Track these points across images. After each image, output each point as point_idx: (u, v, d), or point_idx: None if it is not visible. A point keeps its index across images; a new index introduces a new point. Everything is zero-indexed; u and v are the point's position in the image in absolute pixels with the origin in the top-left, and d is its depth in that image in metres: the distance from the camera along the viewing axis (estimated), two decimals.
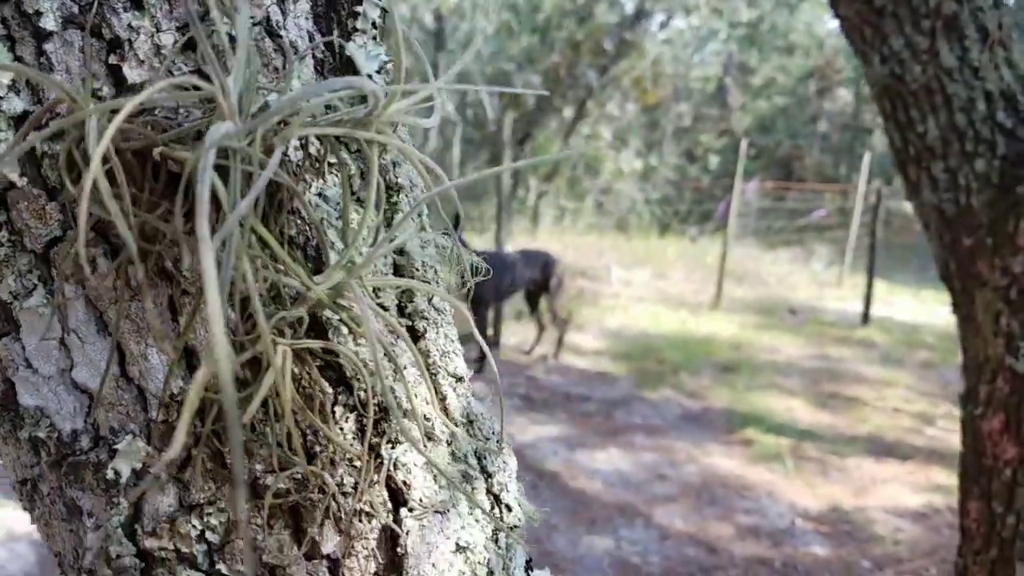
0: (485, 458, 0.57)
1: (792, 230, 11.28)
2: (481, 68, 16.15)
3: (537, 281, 5.84)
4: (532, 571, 0.60)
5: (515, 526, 0.58)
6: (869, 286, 8.09)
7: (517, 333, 6.63)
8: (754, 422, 4.75)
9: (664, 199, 15.22)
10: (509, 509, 0.58)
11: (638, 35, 11.93)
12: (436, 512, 0.52)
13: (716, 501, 3.67)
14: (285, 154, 0.43)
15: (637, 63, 12.35)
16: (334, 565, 0.48)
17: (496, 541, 0.57)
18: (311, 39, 0.47)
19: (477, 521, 0.55)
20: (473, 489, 0.55)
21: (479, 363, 5.36)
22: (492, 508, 0.56)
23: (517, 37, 14.74)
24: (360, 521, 0.48)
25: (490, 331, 6.17)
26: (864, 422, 4.97)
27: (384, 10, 0.51)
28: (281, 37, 0.45)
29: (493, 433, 0.59)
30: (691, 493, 3.74)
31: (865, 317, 8.07)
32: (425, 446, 0.51)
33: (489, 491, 0.56)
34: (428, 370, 0.53)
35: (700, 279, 9.99)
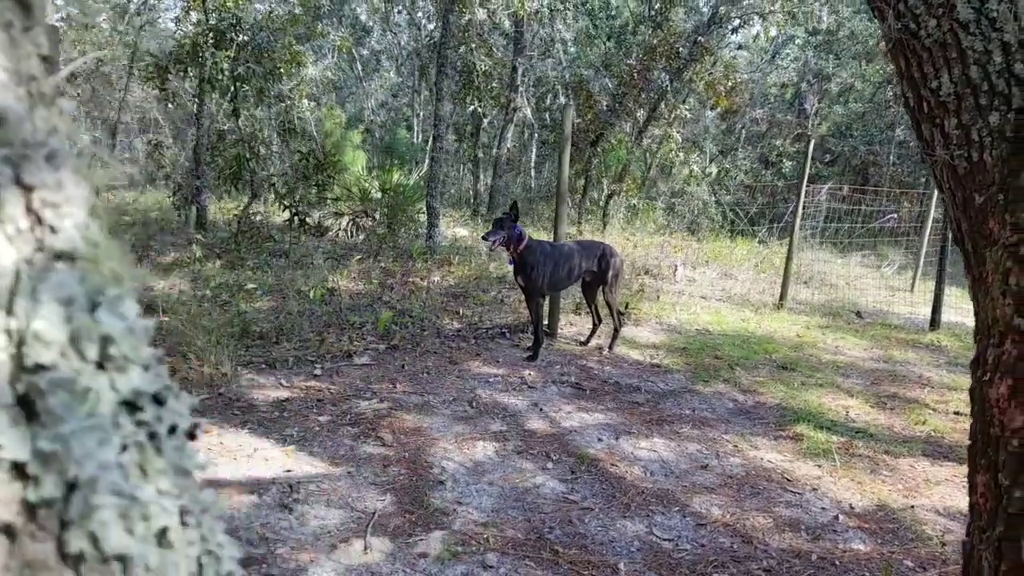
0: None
1: (864, 234, 10.91)
2: (560, 73, 16.32)
3: (594, 272, 5.88)
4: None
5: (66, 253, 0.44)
6: (938, 290, 7.79)
7: (576, 324, 6.71)
8: (806, 418, 4.70)
9: (737, 203, 14.98)
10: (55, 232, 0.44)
11: (712, 40, 11.81)
12: None
13: (758, 493, 3.67)
14: None
15: (711, 67, 12.23)
16: None
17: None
18: None
19: None
20: None
21: (533, 351, 5.52)
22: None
23: (595, 43, 14.80)
24: None
25: (548, 321, 6.27)
26: (922, 424, 4.83)
27: None
28: None
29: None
30: (733, 484, 3.74)
31: (933, 322, 7.77)
32: None
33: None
34: None
35: (767, 280, 9.82)
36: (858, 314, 8.40)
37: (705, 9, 11.89)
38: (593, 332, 6.19)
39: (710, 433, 4.40)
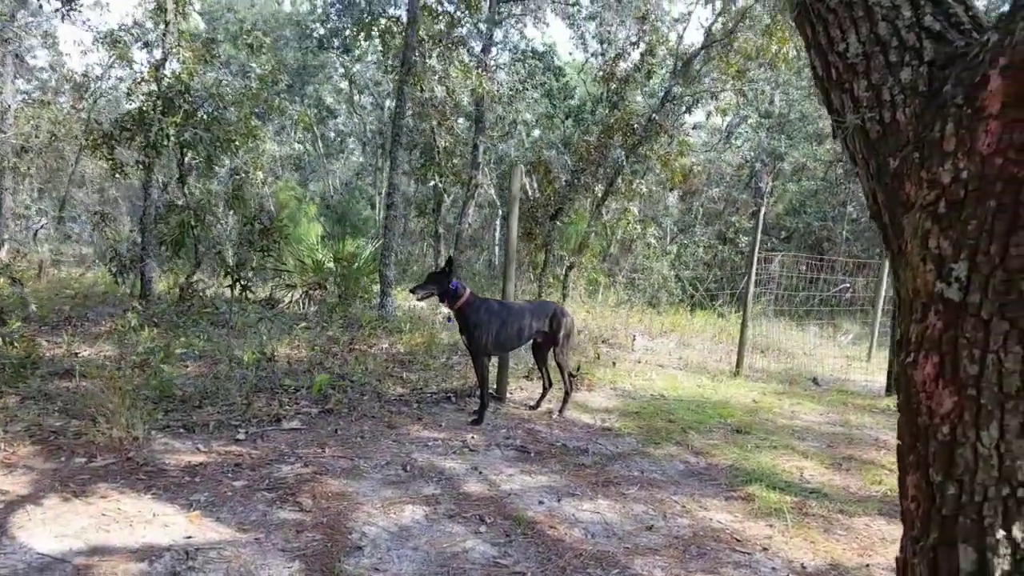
0: None
1: (819, 303, 10.97)
2: (522, 154, 16.63)
3: (545, 332, 5.69)
4: None
5: None
6: (892, 355, 7.75)
7: (526, 389, 6.48)
8: (759, 479, 4.48)
9: (696, 277, 15.09)
10: None
11: (667, 119, 12.16)
12: None
13: (704, 554, 3.41)
14: None
15: (667, 145, 12.55)
16: None
17: None
18: None
19: None
20: None
21: (478, 414, 5.27)
22: None
23: (554, 122, 15.17)
24: None
25: (496, 385, 6.04)
26: (878, 484, 4.64)
27: None
28: None
29: None
30: (678, 545, 3.49)
31: (889, 387, 7.70)
32: None
33: None
34: None
35: (724, 349, 9.74)
36: (815, 381, 8.31)
37: (659, 90, 12.28)
38: (543, 396, 5.96)
39: (658, 495, 4.15)
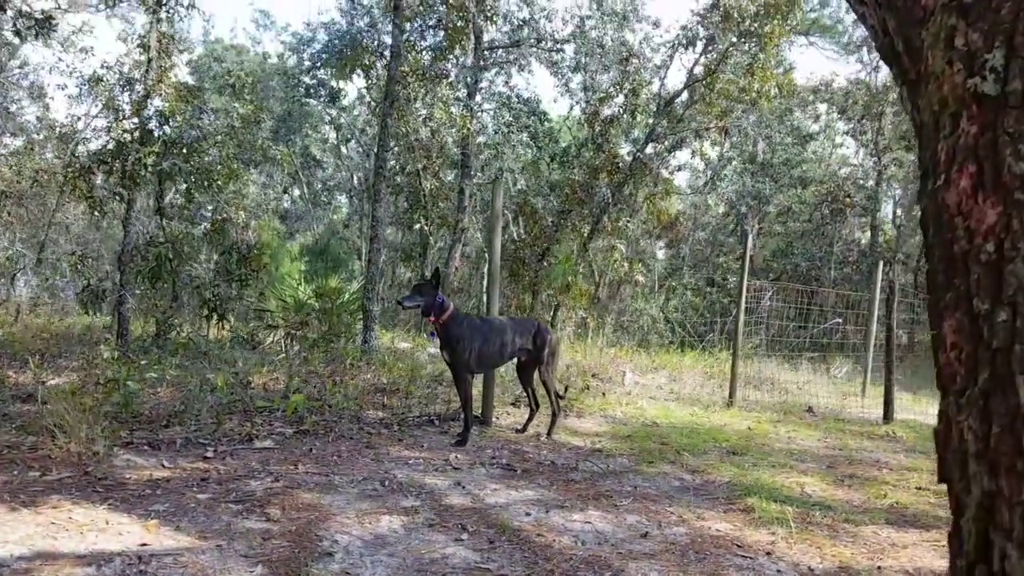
0: None
1: (811, 339, 10.85)
2: (509, 202, 16.66)
3: (529, 350, 5.48)
4: None
5: None
6: (888, 383, 7.64)
7: (513, 415, 6.25)
8: (758, 493, 4.25)
9: (685, 320, 14.98)
10: None
11: (652, 160, 12.26)
12: None
13: (704, 558, 3.18)
14: None
15: (653, 186, 12.61)
16: None
17: None
18: None
19: None
20: None
21: (462, 435, 5.03)
22: None
23: (539, 166, 15.26)
24: None
25: (482, 409, 5.81)
26: (883, 497, 4.42)
27: None
28: None
29: None
30: (675, 551, 3.25)
31: (886, 414, 7.52)
32: None
33: None
34: None
35: (716, 383, 9.54)
36: (810, 410, 8.11)
37: (643, 132, 12.42)
38: (530, 419, 5.73)
39: (653, 507, 3.91)
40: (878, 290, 9.74)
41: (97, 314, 8.22)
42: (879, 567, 3.18)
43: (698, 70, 10.85)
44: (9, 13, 7.25)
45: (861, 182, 17.63)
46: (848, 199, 15.74)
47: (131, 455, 4.05)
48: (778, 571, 3.08)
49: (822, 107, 18.09)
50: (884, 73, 17.94)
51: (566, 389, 6.27)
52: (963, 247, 0.97)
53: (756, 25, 9.76)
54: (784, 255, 16.73)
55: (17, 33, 7.96)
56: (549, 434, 5.50)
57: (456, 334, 5.04)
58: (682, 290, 15.06)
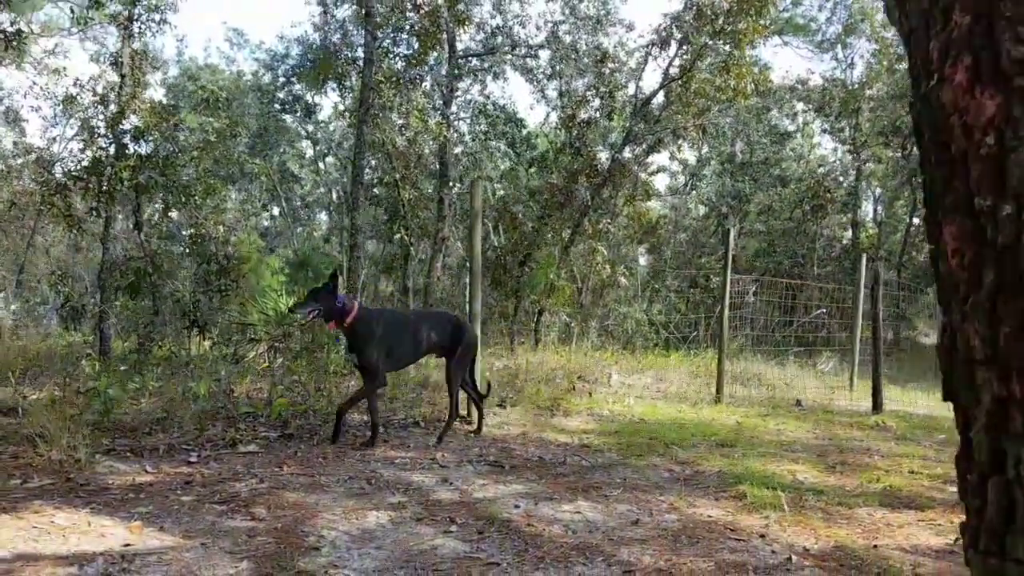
0: None
1: (797, 331, 10.90)
2: (488, 211, 16.67)
3: (444, 347, 5.10)
4: None
5: None
6: (876, 374, 7.67)
7: (499, 415, 6.19)
8: (750, 480, 4.23)
9: (669, 321, 15.00)
10: None
11: (630, 161, 12.30)
12: None
13: (697, 542, 3.15)
14: None
15: (632, 188, 12.65)
16: None
17: None
18: None
19: None
20: None
21: (371, 439, 4.77)
22: None
23: (517, 173, 15.29)
24: None
25: (466, 408, 5.75)
26: (876, 482, 4.42)
27: None
28: None
29: None
30: (667, 536, 3.22)
31: (875, 404, 7.55)
32: None
33: None
34: None
35: (703, 382, 9.54)
36: (798, 403, 8.13)
37: (621, 136, 12.48)
38: (480, 415, 5.40)
39: (643, 496, 3.89)
40: (862, 283, 9.82)
41: (78, 331, 8.09)
42: (875, 545, 3.17)
43: (673, 71, 10.94)
44: None
45: (841, 179, 17.80)
46: (828, 195, 15.89)
47: (113, 461, 3.97)
48: (772, 552, 3.06)
49: (799, 105, 18.29)
50: (860, 70, 18.21)
51: (488, 388, 5.72)
52: (961, 146, 0.94)
53: (730, 23, 9.86)
54: (767, 254, 16.85)
55: None
56: (440, 440, 5.00)
57: (364, 334, 4.70)
58: (665, 292, 15.11)
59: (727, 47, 10.88)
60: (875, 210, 21.97)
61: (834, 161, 19.37)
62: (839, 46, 19.02)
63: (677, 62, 11.16)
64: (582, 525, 3.32)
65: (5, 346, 9.61)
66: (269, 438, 4.72)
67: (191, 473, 3.85)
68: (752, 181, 16.85)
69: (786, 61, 52.24)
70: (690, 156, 16.07)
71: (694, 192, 18.10)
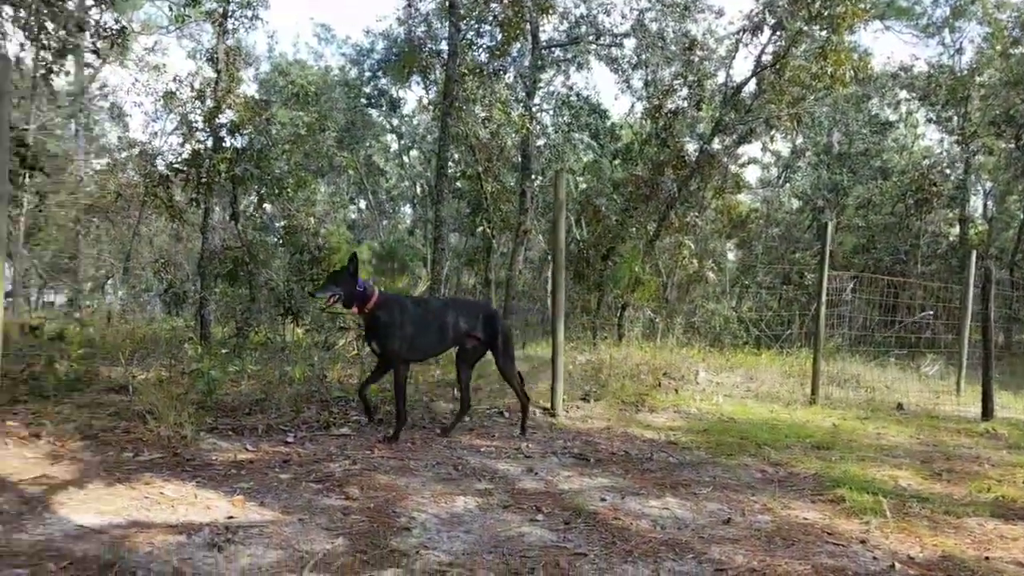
0: None
1: (899, 332, 10.34)
2: (572, 204, 16.61)
3: (478, 338, 4.82)
4: None
5: None
6: (986, 379, 7.18)
7: (583, 408, 6.16)
8: (848, 484, 4.04)
9: (760, 319, 14.54)
10: None
11: (720, 152, 11.97)
12: None
13: (792, 544, 3.03)
14: None
15: (722, 180, 12.30)
16: None
17: None
18: None
19: None
20: None
21: (395, 431, 4.55)
22: None
23: (602, 169, 15.15)
24: None
25: (552, 400, 5.74)
26: (987, 491, 4.14)
27: None
28: None
29: None
30: (760, 536, 3.12)
31: (985, 411, 7.08)
32: None
33: None
34: None
35: (796, 382, 9.19)
36: (899, 407, 7.72)
37: (710, 125, 12.15)
38: (460, 416, 4.97)
39: (734, 496, 3.77)
40: (972, 282, 9.23)
41: (180, 316, 8.57)
42: (987, 557, 2.97)
43: (766, 58, 10.55)
44: (87, 33, 7.63)
45: (947, 172, 16.71)
46: (934, 189, 14.96)
47: (216, 439, 4.17)
48: (874, 558, 2.91)
49: (902, 93, 17.30)
50: (969, 55, 17.07)
51: (522, 380, 5.34)
52: None
53: (827, 7, 9.42)
54: (865, 250, 16.04)
55: (95, 52, 8.41)
56: (523, 431, 4.96)
57: (385, 321, 4.45)
58: (756, 289, 14.63)
59: (824, 32, 10.42)
60: (985, 205, 20.60)
61: (940, 153, 18.24)
62: (946, 30, 17.88)
63: (770, 49, 10.76)
64: (671, 521, 3.26)
65: (114, 329, 10.29)
66: (360, 422, 4.86)
67: (288, 453, 4.01)
68: (850, 173, 16.06)
69: (888, 46, 49.68)
70: (783, 147, 15.46)
71: (787, 185, 17.43)
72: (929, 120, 17.86)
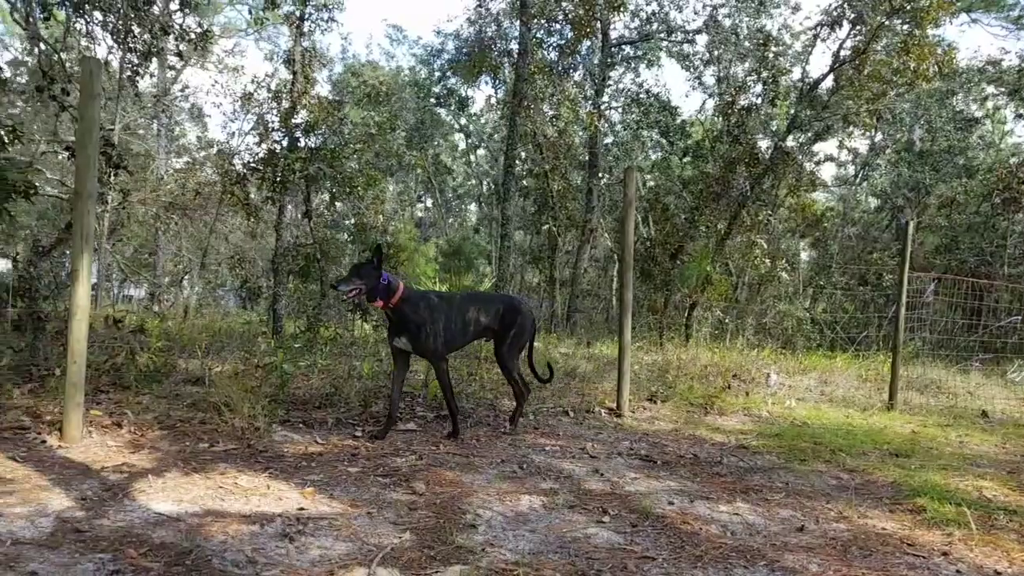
0: None
1: (981, 344, 9.81)
2: (640, 203, 16.41)
3: (495, 331, 4.74)
4: None
5: None
6: None
7: (648, 409, 6.08)
8: (929, 493, 3.86)
9: (835, 320, 14.05)
10: None
11: (795, 149, 11.61)
12: None
13: (869, 555, 2.92)
14: None
15: (796, 178, 11.93)
16: None
17: None
18: None
19: None
20: None
21: (452, 428, 4.55)
22: None
23: (670, 162, 14.91)
24: None
25: (617, 400, 5.69)
26: None
27: None
28: None
29: None
30: (836, 545, 3.01)
31: None
32: None
33: None
34: None
35: (873, 387, 8.85)
36: (984, 414, 7.34)
37: (784, 122, 11.80)
38: (519, 407, 4.94)
39: (807, 503, 3.66)
40: None
41: (254, 311, 8.86)
42: None
43: (844, 53, 10.16)
44: (171, 36, 7.95)
45: None
46: (1023, 187, 14.14)
47: (288, 432, 4.30)
48: (957, 571, 2.78)
49: (989, 88, 16.40)
50: None
51: (551, 374, 5.27)
52: None
53: (910, 0, 9.01)
54: (948, 251, 15.29)
55: (179, 54, 8.77)
56: (513, 423, 4.84)
57: (415, 318, 4.34)
58: (831, 290, 14.14)
59: (906, 26, 9.98)
60: None
61: None
62: None
63: (849, 43, 10.37)
64: (741, 527, 3.18)
65: (191, 323, 10.72)
66: (426, 418, 4.93)
67: (356, 446, 4.09)
68: (933, 171, 15.32)
69: (975, 40, 47.22)
70: (861, 144, 14.85)
71: (865, 183, 16.76)
72: (1018, 116, 16.89)
